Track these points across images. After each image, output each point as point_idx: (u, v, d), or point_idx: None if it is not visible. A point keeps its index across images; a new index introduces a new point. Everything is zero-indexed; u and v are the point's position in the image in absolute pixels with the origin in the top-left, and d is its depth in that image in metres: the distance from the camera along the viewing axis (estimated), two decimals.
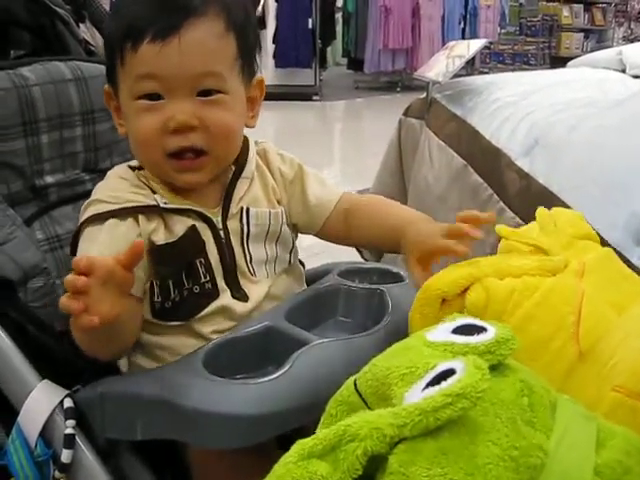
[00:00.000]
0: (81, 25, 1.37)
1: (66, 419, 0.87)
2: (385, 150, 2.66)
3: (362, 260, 2.12)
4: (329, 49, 9.72)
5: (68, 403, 0.88)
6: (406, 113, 2.56)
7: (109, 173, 1.04)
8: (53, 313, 1.02)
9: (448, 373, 0.57)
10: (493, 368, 0.59)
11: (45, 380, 0.91)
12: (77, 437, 0.87)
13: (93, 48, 1.35)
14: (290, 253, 1.08)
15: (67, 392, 0.90)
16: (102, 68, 1.19)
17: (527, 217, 1.63)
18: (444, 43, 6.25)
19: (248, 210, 1.01)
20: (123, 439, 0.88)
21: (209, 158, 0.96)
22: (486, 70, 9.44)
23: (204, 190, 1.00)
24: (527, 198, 1.64)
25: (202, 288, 0.96)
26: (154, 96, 0.93)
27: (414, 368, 0.60)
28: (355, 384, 0.65)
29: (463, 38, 8.38)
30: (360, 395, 0.64)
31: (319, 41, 8.36)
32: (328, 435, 0.55)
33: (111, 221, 0.94)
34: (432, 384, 0.57)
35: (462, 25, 9.36)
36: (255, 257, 1.01)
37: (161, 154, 0.95)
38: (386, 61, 8.83)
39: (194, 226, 0.97)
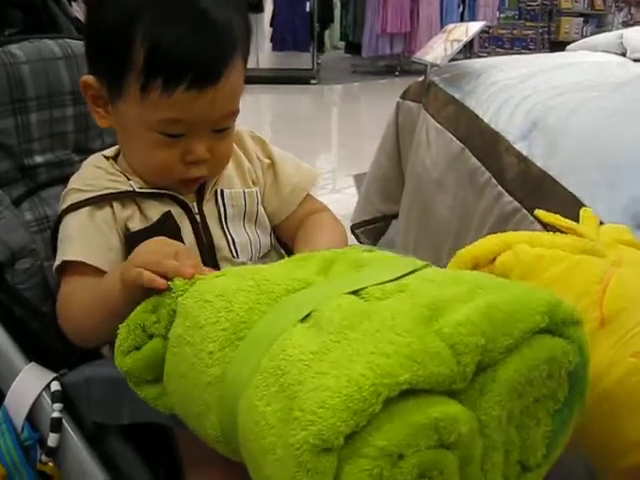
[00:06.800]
0: (73, 3, 1.36)
1: (53, 402, 0.86)
2: (383, 134, 2.65)
3: (358, 244, 2.11)
4: (327, 33, 9.67)
5: (55, 386, 0.87)
6: (404, 96, 2.55)
7: (84, 163, 1.05)
8: (40, 295, 1.01)
9: None
10: None
11: (32, 363, 0.90)
12: (64, 421, 0.86)
13: None
14: (270, 236, 1.08)
15: (54, 375, 0.88)
16: None
17: (525, 201, 1.62)
18: (442, 27, 6.23)
19: (222, 192, 1.02)
20: (110, 423, 0.87)
21: (208, 177, 1.00)
22: (485, 54, 9.39)
23: None
24: (525, 182, 1.63)
25: None
26: (175, 135, 0.91)
27: None
28: None
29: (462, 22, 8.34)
30: None
31: (317, 25, 8.30)
32: None
33: (88, 209, 0.96)
34: None
35: (461, 9, 9.30)
36: (237, 239, 1.01)
37: (173, 180, 0.96)
38: (384, 45, 8.78)
39: (169, 212, 0.97)
